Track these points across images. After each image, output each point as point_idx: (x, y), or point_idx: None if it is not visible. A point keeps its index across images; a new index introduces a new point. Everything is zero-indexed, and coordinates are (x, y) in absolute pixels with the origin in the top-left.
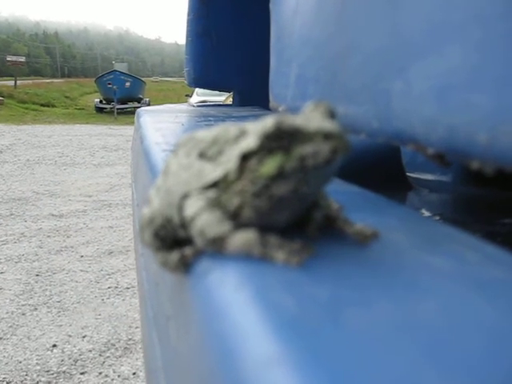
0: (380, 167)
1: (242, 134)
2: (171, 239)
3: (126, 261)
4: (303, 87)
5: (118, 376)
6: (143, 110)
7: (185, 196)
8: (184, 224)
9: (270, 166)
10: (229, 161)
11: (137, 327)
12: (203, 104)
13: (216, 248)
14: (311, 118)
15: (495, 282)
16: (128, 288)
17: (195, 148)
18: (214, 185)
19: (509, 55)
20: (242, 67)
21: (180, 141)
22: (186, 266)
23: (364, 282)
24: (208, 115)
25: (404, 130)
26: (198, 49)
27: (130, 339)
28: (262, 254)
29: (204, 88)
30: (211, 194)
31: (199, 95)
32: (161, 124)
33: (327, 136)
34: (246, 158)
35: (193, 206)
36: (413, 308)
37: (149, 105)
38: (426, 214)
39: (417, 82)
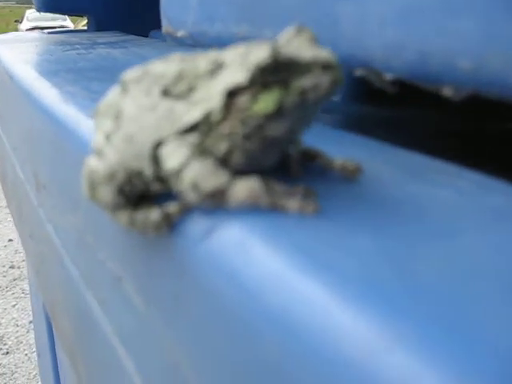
0: None
1: (217, 67)
2: (136, 195)
3: None
4: (211, 8)
5: None
6: None
7: (159, 144)
8: (163, 177)
9: (266, 102)
10: (209, 98)
11: None
12: (55, 31)
13: (215, 202)
14: (299, 45)
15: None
16: None
17: (155, 85)
18: (193, 128)
19: None
20: None
21: (127, 76)
22: (170, 226)
23: (394, 227)
24: (72, 43)
25: (355, 55)
26: None
27: None
28: (272, 204)
29: (56, 13)
30: (192, 138)
31: (30, 20)
32: (23, 55)
33: (326, 66)
34: (232, 94)
35: (175, 156)
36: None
37: None
38: None
39: None
